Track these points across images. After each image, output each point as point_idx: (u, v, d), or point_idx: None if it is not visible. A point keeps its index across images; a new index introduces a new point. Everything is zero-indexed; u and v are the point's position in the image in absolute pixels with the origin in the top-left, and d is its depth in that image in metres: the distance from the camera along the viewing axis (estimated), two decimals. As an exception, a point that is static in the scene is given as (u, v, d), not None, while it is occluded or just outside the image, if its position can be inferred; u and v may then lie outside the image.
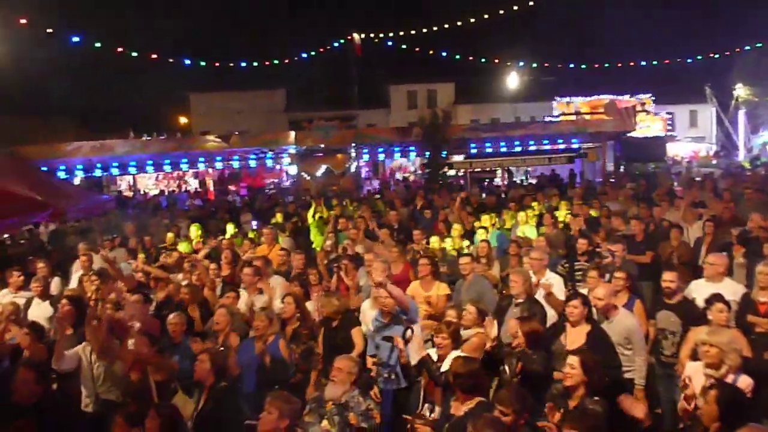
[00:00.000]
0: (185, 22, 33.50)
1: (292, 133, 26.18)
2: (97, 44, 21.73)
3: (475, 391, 4.69)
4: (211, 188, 30.06)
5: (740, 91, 38.41)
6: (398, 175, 30.47)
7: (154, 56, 24.30)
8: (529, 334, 5.42)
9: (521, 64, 33.81)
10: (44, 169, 21.19)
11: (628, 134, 27.82)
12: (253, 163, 27.70)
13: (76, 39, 20.99)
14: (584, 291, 6.34)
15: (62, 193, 14.90)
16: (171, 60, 25.31)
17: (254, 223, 15.00)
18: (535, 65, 34.15)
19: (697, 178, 17.78)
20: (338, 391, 4.99)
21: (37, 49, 23.36)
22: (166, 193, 26.87)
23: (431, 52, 31.70)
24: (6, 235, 13.96)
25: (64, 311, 6.77)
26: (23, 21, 18.80)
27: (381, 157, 28.32)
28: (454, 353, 5.25)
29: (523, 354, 5.34)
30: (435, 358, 5.43)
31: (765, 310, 5.95)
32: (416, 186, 23.53)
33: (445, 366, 5.19)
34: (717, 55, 34.03)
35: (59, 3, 27.95)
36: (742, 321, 5.97)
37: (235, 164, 28.05)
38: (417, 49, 31.96)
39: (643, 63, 34.91)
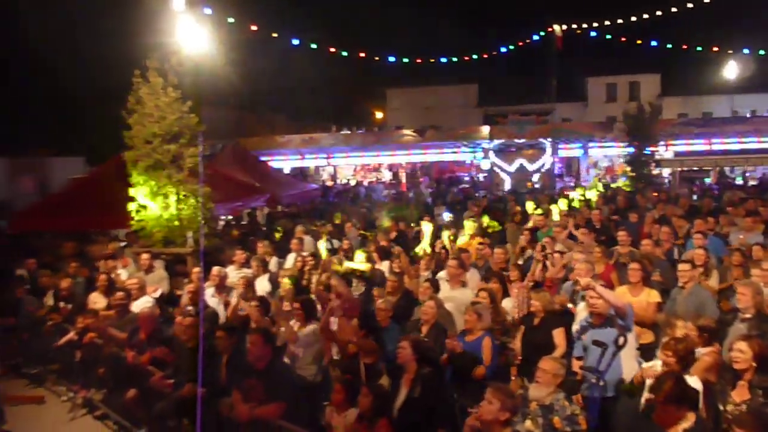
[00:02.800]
0: (380, 20, 34.80)
1: (486, 128, 26.27)
2: (313, 45, 23.53)
3: (690, 407, 4.25)
4: (404, 180, 31.18)
5: None
6: (594, 172, 28.98)
7: (362, 55, 25.67)
8: (758, 355, 4.85)
9: (746, 51, 29.92)
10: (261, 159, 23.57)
11: None
12: (447, 157, 28.21)
13: (295, 41, 22.94)
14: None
15: (277, 181, 16.58)
16: (377, 58, 26.56)
17: (446, 215, 15.30)
18: (762, 52, 30.07)
19: None
20: (543, 392, 4.91)
21: (260, 52, 25.96)
22: (365, 184, 28.38)
23: (639, 41, 29.39)
24: (230, 217, 15.77)
25: (286, 290, 7.45)
26: (254, 27, 20.97)
27: (578, 153, 27.21)
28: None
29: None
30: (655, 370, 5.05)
31: None
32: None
33: None
34: None
35: (283, 9, 30.69)
36: None
37: (431, 158, 28.76)
38: (623, 38, 29.81)
39: None
